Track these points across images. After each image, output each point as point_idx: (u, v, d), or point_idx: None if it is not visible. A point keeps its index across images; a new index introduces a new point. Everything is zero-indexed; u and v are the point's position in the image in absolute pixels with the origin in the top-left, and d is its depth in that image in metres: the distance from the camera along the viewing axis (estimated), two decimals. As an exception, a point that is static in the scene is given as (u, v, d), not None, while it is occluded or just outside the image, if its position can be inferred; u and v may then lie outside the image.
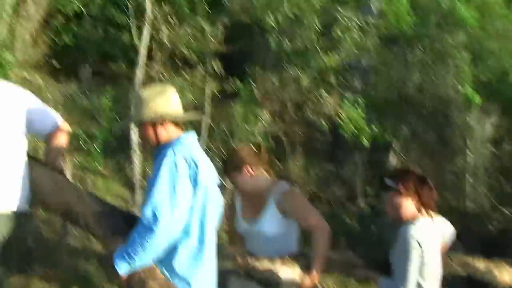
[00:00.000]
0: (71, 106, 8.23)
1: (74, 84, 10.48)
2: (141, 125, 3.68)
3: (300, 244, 4.42)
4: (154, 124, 3.59)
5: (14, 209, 3.65)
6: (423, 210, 3.86)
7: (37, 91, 8.86)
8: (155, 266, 3.45)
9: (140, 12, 8.48)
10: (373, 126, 8.59)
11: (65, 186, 3.88)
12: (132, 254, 3.36)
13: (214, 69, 8.59)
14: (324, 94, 8.58)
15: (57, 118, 3.96)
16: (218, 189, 3.78)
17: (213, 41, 8.46)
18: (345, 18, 8.59)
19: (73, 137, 7.69)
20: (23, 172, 3.73)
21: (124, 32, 11.51)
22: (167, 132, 3.61)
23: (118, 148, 8.55)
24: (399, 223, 3.89)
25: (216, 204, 3.71)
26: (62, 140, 3.94)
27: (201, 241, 3.53)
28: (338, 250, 4.67)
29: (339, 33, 8.43)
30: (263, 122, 8.70)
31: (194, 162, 3.47)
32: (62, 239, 6.54)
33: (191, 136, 3.71)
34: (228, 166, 4.33)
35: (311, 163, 9.82)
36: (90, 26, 11.15)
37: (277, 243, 4.25)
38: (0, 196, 3.61)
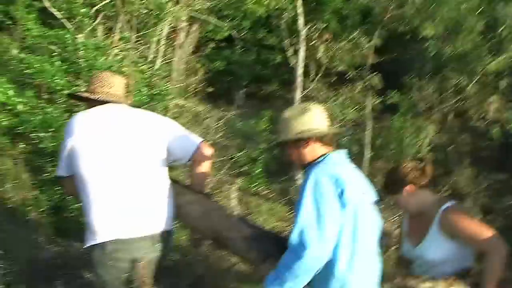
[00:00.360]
0: (229, 130, 8.25)
1: (229, 108, 10.63)
2: (285, 146, 3.51)
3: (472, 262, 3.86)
4: (297, 144, 3.43)
5: (159, 231, 3.66)
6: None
7: (195, 117, 9.11)
8: None
9: (291, 31, 8.40)
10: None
11: (213, 211, 3.84)
12: (282, 279, 3.21)
13: (372, 83, 8.26)
14: (491, 99, 7.94)
15: (199, 141, 3.90)
16: (375, 208, 3.50)
17: (369, 53, 8.16)
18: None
19: (234, 161, 7.77)
20: (167, 196, 3.74)
21: (275, 53, 11.61)
22: (312, 151, 3.44)
23: (279, 170, 8.49)
24: None
25: (372, 224, 3.43)
26: (205, 163, 3.91)
27: (350, 265, 3.26)
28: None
29: (504, 33, 7.82)
30: (426, 133, 8.24)
31: (340, 181, 3.23)
32: (231, 267, 6.49)
33: (339, 153, 3.49)
34: (389, 184, 3.97)
35: (481, 174, 9.20)
36: (241, 50, 11.30)
37: (443, 267, 3.80)
38: (146, 219, 3.62)
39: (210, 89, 10.21)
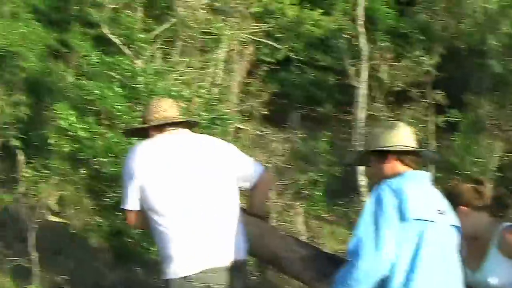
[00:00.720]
0: (289, 153, 8.18)
1: (285, 130, 10.59)
2: (368, 160, 3.48)
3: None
4: (380, 159, 3.35)
5: (235, 261, 3.58)
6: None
7: (253, 141, 9.08)
8: None
9: (351, 51, 8.34)
10: None
11: (270, 233, 3.92)
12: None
13: (435, 101, 8.11)
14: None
15: (261, 169, 3.92)
16: (454, 232, 3.28)
17: (430, 71, 8.03)
18: None
19: (295, 184, 7.69)
20: (240, 224, 3.69)
21: (330, 73, 11.57)
22: (392, 168, 3.31)
23: (341, 192, 8.41)
24: None
25: (443, 247, 3.17)
26: (266, 189, 4.00)
27: (406, 285, 3.01)
28: None
29: None
30: (491, 151, 8.03)
31: (401, 192, 3.08)
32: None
33: (416, 173, 3.34)
34: None
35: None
36: (296, 72, 11.26)
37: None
38: (224, 249, 3.56)
39: (265, 112, 10.14)
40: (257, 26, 9.28)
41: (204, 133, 4.13)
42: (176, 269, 3.50)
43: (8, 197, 7.76)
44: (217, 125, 7.23)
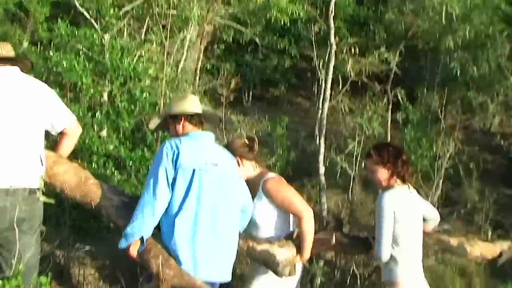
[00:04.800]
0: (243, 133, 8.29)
1: (240, 110, 10.74)
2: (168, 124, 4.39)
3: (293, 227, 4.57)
4: (175, 122, 4.28)
5: (27, 185, 3.88)
6: (398, 180, 4.42)
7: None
8: (170, 257, 3.92)
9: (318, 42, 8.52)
10: None
11: (87, 180, 4.23)
12: (126, 228, 3.95)
13: (395, 96, 8.42)
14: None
15: (73, 118, 4.35)
16: (222, 176, 4.15)
17: (392, 67, 8.32)
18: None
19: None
20: (36, 156, 3.98)
21: (289, 58, 11.79)
22: (184, 128, 4.25)
23: (294, 176, 8.66)
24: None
25: (212, 189, 4.07)
26: (74, 139, 4.42)
27: (194, 222, 3.98)
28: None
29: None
30: (438, 146, 8.42)
31: (178, 147, 4.00)
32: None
33: (199, 132, 4.25)
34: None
35: (488, 187, 9.35)
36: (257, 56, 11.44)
37: (270, 231, 4.49)
38: (9, 172, 3.84)
39: (224, 93, 10.26)
40: (225, 9, 9.34)
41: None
42: None
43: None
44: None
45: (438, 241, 5.06)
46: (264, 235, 4.47)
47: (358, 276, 6.85)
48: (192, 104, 4.35)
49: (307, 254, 4.48)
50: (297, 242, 4.44)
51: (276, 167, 8.14)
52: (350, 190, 8.13)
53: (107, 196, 4.22)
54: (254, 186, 4.50)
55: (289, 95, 13.08)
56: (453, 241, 5.09)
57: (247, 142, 4.62)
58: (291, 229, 4.57)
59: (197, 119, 4.28)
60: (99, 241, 6.50)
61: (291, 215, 4.56)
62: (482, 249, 5.18)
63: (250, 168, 4.58)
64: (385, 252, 4.32)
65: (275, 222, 4.52)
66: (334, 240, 4.70)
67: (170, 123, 4.35)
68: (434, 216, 4.84)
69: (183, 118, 4.25)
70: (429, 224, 4.85)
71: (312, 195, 9.07)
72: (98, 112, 7.04)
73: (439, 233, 5.25)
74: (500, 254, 5.19)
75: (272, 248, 4.35)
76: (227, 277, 4.20)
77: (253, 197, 4.46)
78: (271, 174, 4.59)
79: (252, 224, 4.49)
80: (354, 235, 5.14)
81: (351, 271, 6.93)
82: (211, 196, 4.07)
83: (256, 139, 4.66)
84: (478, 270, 7.87)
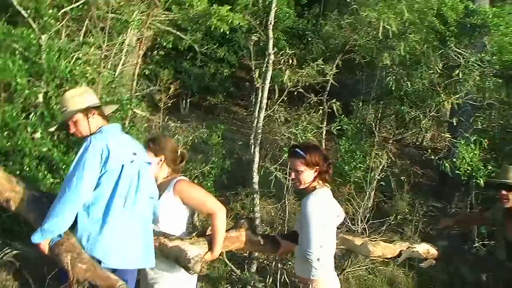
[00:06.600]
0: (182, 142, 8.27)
1: (176, 117, 10.71)
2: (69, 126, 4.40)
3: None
4: (84, 115, 4.33)
5: None
6: (320, 182, 4.51)
7: (148, 126, 9.11)
8: (83, 251, 3.99)
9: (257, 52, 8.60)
10: (489, 166, 8.35)
11: None
12: (44, 224, 3.98)
13: (328, 108, 8.57)
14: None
15: None
16: (142, 164, 4.35)
17: (329, 79, 8.48)
18: (461, 56, 8.55)
19: (188, 174, 7.82)
20: None
21: (227, 66, 11.82)
22: (96, 120, 4.36)
23: (229, 185, 8.69)
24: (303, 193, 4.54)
25: (137, 176, 4.26)
26: None
27: (109, 210, 4.09)
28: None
29: (460, 74, 8.30)
30: (370, 157, 8.61)
31: (108, 150, 4.08)
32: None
33: (111, 127, 4.39)
34: (150, 147, 4.70)
35: (418, 200, 9.64)
36: (196, 62, 11.44)
37: (168, 224, 4.55)
38: None
39: (161, 98, 10.21)
40: (165, 14, 9.32)
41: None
42: None
43: None
44: (118, 110, 7.23)
45: (343, 241, 5.30)
46: (161, 229, 4.55)
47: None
48: (94, 96, 4.49)
49: (217, 251, 4.56)
50: (209, 239, 4.53)
51: (211, 175, 8.15)
52: (283, 199, 8.19)
53: (17, 190, 4.24)
54: (164, 183, 4.64)
55: (227, 104, 13.23)
56: (358, 241, 5.37)
57: (179, 154, 4.78)
58: (184, 230, 4.69)
59: (102, 111, 4.47)
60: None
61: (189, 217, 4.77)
62: (384, 249, 5.45)
63: (165, 172, 4.69)
64: (317, 250, 4.34)
65: (175, 219, 4.60)
66: (244, 238, 4.80)
67: (79, 119, 4.34)
68: (342, 214, 4.91)
69: (95, 111, 4.36)
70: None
71: (246, 203, 9.17)
72: (33, 113, 6.94)
73: (345, 233, 5.70)
74: (400, 254, 5.47)
75: (184, 245, 4.42)
76: (149, 263, 4.34)
77: (162, 194, 4.57)
78: (183, 177, 4.74)
79: (158, 220, 4.58)
80: (264, 234, 5.39)
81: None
82: (132, 184, 4.22)
83: (186, 157, 4.85)
84: (406, 280, 8.09)
